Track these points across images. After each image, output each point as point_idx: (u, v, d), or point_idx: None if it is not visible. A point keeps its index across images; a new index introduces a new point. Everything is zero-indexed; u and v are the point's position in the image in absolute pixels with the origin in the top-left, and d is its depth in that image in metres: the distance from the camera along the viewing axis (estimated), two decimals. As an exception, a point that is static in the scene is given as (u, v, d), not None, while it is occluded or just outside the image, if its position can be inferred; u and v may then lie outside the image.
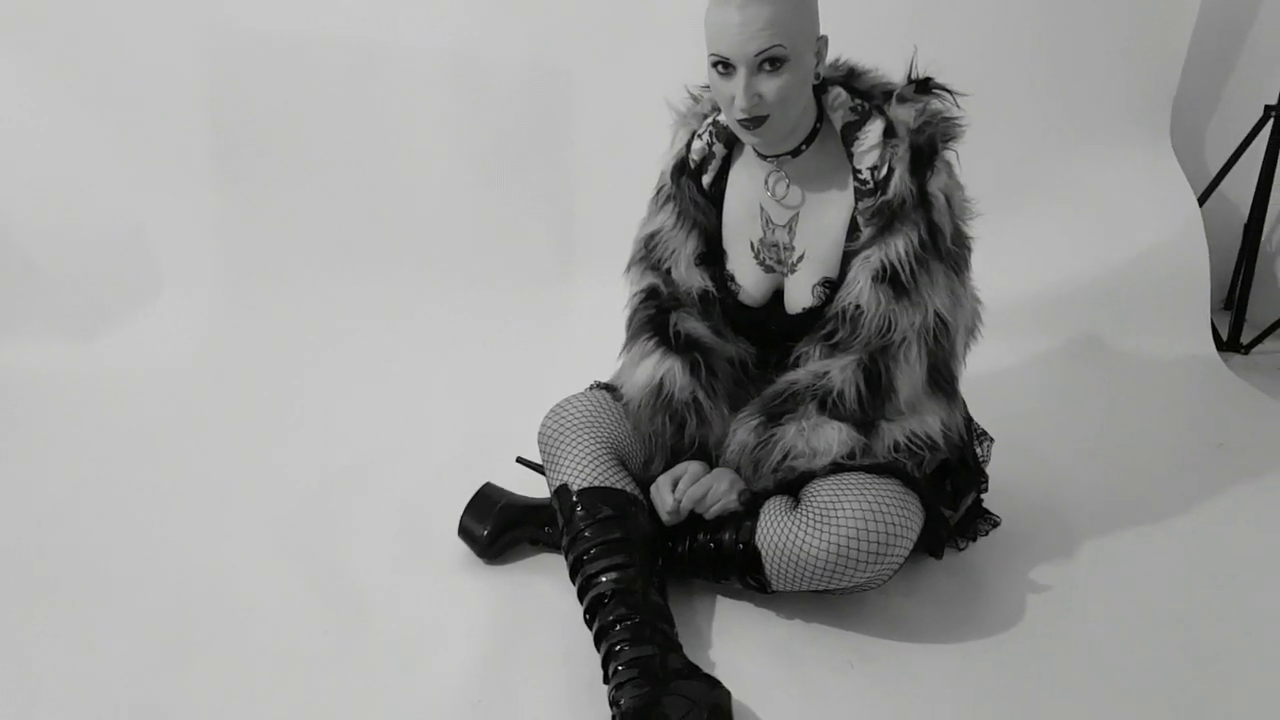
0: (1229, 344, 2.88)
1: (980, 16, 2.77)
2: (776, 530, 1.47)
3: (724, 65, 1.41)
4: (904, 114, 1.50)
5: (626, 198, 2.04)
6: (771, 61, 1.38)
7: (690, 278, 1.65)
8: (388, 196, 2.82)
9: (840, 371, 1.50)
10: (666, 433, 1.60)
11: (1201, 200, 2.90)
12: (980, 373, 1.77)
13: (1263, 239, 2.92)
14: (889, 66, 1.61)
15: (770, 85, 1.40)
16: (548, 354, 2.61)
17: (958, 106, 1.56)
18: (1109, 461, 2.12)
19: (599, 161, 2.82)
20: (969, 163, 1.57)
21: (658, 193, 1.72)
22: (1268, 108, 2.77)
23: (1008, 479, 1.93)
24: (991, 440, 1.81)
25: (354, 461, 2.07)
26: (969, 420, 1.76)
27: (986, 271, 1.69)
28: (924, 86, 1.55)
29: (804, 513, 1.46)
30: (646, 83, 2.15)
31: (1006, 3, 2.76)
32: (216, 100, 2.73)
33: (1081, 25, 2.80)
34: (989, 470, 1.77)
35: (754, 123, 1.43)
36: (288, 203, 2.80)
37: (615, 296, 1.77)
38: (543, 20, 2.74)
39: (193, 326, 2.65)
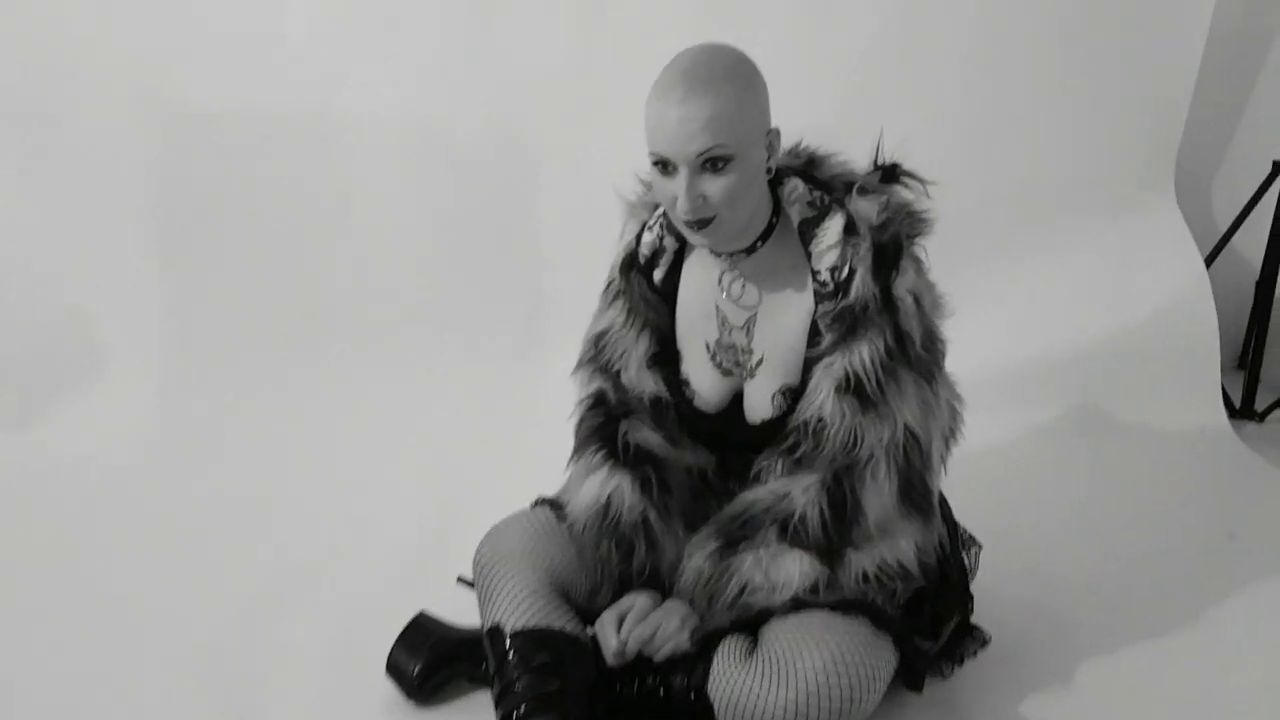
0: (1242, 410, 2.76)
1: (975, 67, 2.68)
2: (731, 680, 1.35)
3: (664, 165, 1.32)
4: (866, 208, 1.40)
5: (600, 274, 1.93)
6: (714, 161, 1.29)
7: (642, 381, 1.56)
8: (341, 273, 2.74)
9: (803, 493, 1.40)
10: (613, 560, 1.50)
11: (1210, 258, 2.80)
12: (968, 451, 1.66)
13: (1276, 297, 2.81)
14: (871, 129, 1.52)
15: (715, 185, 1.30)
16: (512, 448, 2.48)
17: (927, 195, 1.46)
18: (1110, 557, 2.00)
19: (570, 234, 2.71)
20: (956, 226, 1.46)
21: (607, 288, 1.64)
22: (1276, 163, 2.67)
23: (998, 580, 1.81)
24: (980, 547, 1.70)
25: (290, 572, 1.96)
26: (954, 526, 1.65)
27: (975, 336, 1.59)
28: (890, 175, 1.47)
29: (761, 661, 1.34)
30: (619, 151, 2.02)
31: (1002, 51, 2.68)
32: (160, 173, 2.66)
33: (1080, 74, 2.72)
34: (978, 579, 1.65)
35: (699, 224, 1.34)
36: (236, 280, 2.71)
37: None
38: (505, 85, 2.67)
39: (131, 415, 2.56)
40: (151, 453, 2.45)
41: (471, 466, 2.40)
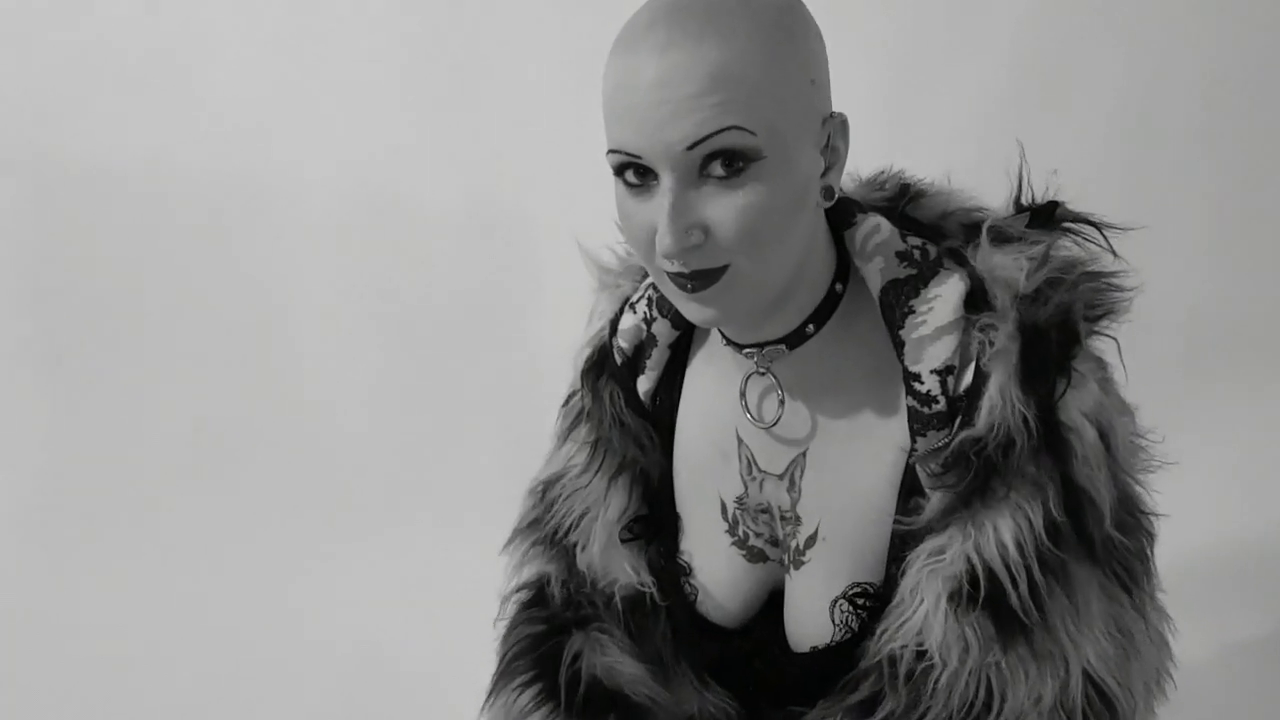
0: None
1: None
2: None
3: (635, 171, 0.79)
4: (1005, 265, 0.85)
5: None
6: (727, 159, 0.76)
7: (611, 565, 1.04)
8: (266, 386, 2.40)
9: None
10: None
11: None
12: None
13: None
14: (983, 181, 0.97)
15: (725, 206, 0.77)
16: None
17: (1114, 253, 0.89)
18: None
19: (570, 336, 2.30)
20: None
21: (565, 403, 1.12)
22: None
23: None
24: None
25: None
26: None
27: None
28: (1044, 215, 0.91)
29: None
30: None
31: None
32: (35, 253, 2.39)
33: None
34: None
35: (698, 280, 0.79)
36: (130, 396, 2.40)
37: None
38: (486, 145, 2.34)
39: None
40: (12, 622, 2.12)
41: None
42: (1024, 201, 0.93)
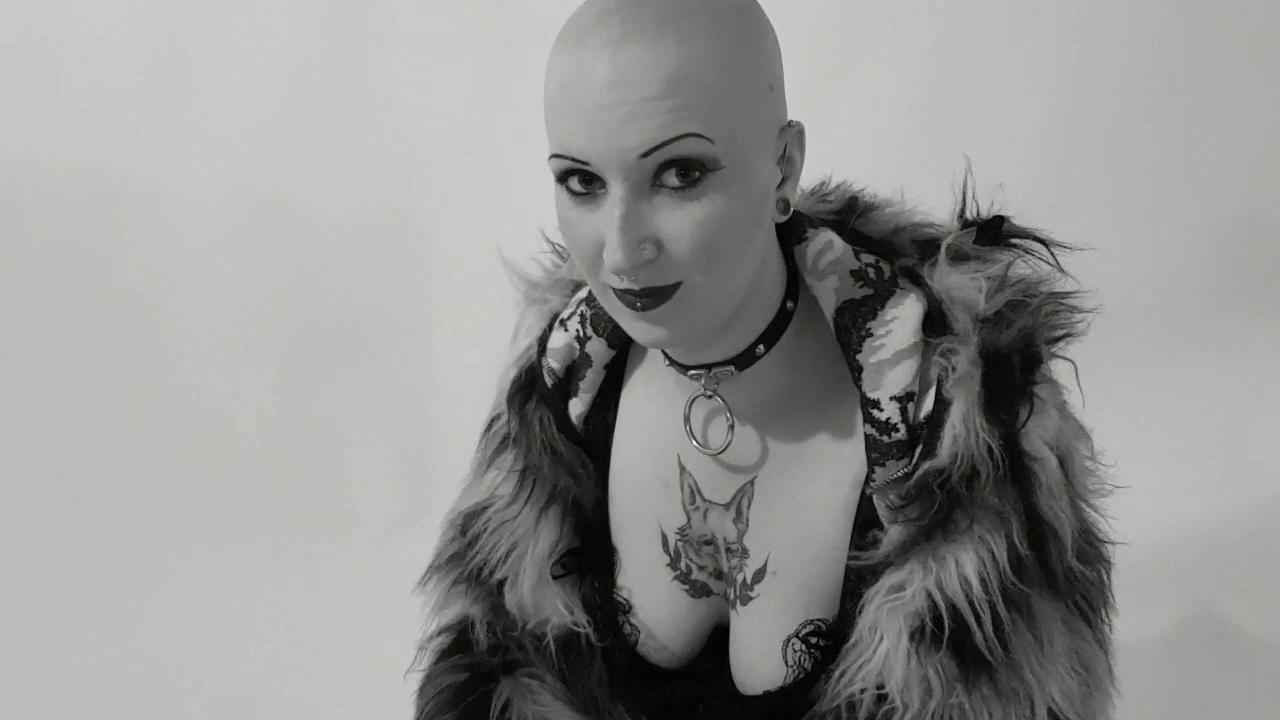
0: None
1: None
2: None
3: (581, 178, 0.73)
4: (963, 285, 0.81)
5: None
6: (683, 168, 0.70)
7: (543, 603, 0.97)
8: (151, 394, 2.25)
9: None
10: None
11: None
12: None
13: None
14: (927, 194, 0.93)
15: (681, 219, 0.71)
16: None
17: (1061, 270, 0.86)
18: None
19: (471, 344, 2.18)
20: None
21: (487, 430, 1.03)
22: None
23: None
24: None
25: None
26: None
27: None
28: (991, 231, 0.87)
29: None
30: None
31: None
32: None
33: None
34: None
35: (648, 298, 0.73)
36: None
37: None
38: (386, 153, 2.21)
39: None
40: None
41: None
42: (969, 216, 0.91)
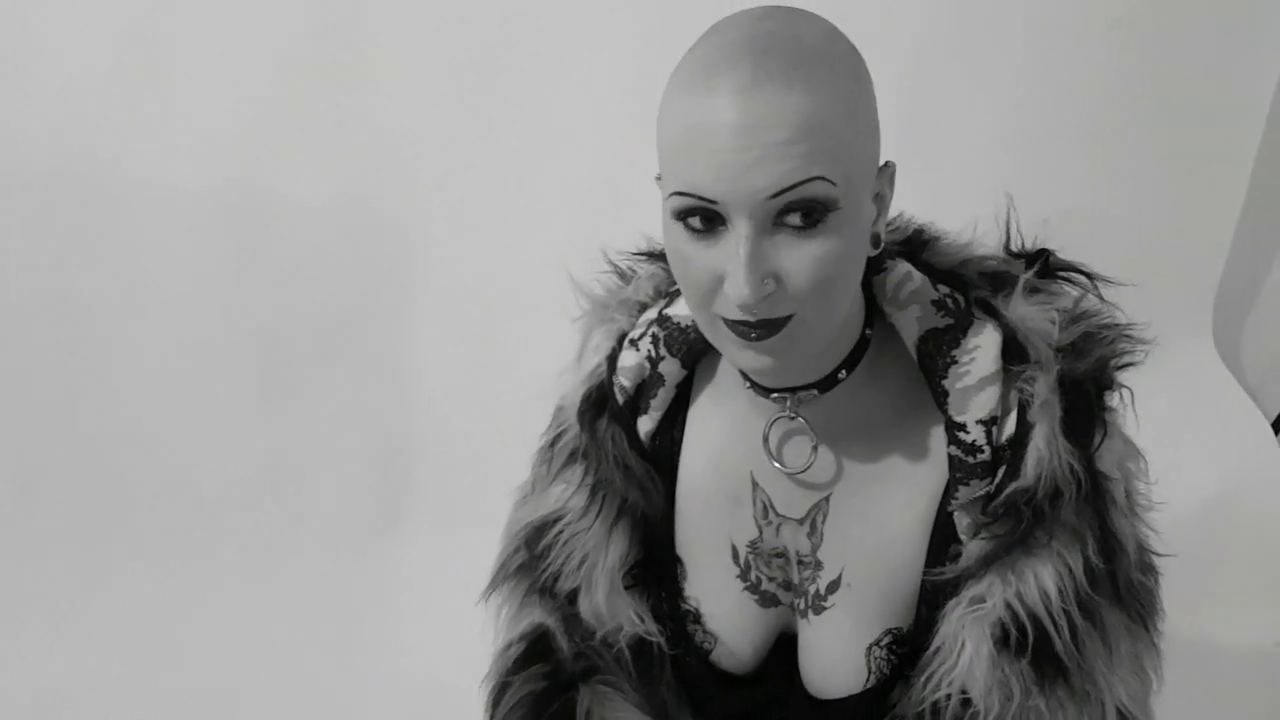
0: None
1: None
2: None
3: (704, 216, 0.75)
4: (1035, 316, 0.87)
5: (494, 416, 1.91)
6: (807, 209, 0.74)
7: (616, 612, 0.99)
8: (119, 400, 2.21)
9: None
10: None
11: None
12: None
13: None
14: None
15: (801, 257, 0.75)
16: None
17: (1105, 301, 0.91)
18: None
19: (455, 355, 2.25)
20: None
21: (551, 446, 1.05)
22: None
23: None
24: None
25: None
26: None
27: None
28: (1036, 263, 0.93)
29: None
30: (528, 244, 1.92)
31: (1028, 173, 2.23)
32: None
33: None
34: None
35: (763, 329, 0.77)
36: None
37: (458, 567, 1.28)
38: (367, 147, 2.19)
39: None
40: None
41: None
42: (1013, 249, 0.97)
